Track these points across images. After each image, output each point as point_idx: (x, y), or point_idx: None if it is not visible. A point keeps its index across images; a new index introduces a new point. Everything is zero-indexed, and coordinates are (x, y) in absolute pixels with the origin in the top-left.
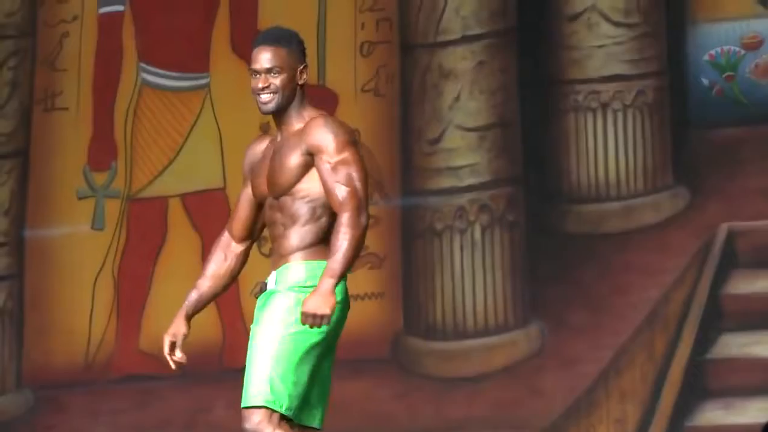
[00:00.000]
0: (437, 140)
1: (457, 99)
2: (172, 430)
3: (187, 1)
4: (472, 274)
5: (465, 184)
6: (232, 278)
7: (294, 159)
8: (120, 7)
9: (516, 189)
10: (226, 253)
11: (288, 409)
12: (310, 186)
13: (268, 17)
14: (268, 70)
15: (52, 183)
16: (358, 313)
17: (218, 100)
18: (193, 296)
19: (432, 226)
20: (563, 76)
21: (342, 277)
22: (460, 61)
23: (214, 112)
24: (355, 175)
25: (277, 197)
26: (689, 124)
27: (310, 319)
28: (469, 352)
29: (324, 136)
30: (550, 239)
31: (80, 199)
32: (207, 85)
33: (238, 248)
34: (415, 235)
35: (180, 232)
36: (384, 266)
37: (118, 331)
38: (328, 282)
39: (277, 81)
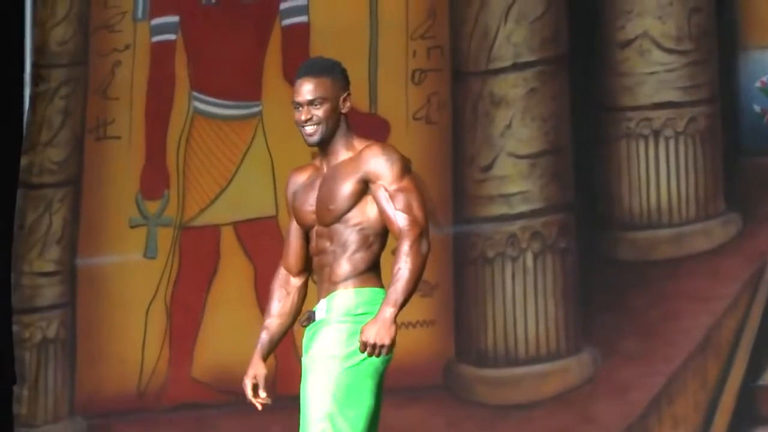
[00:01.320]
0: (489, 167)
1: (508, 126)
2: None
3: (239, 30)
4: (523, 301)
5: (517, 211)
6: (298, 312)
7: (347, 186)
8: (172, 36)
9: (568, 216)
10: (287, 288)
11: None
12: (363, 213)
13: (319, 45)
14: (311, 102)
15: (104, 211)
16: (410, 340)
17: (270, 128)
18: (265, 337)
19: (484, 253)
20: (615, 103)
21: (403, 306)
22: (512, 88)
23: (266, 140)
24: (414, 203)
25: (327, 225)
26: (741, 150)
27: (369, 348)
28: (521, 379)
29: (382, 164)
30: (602, 266)
31: (132, 227)
32: (259, 114)
33: (297, 282)
34: (467, 262)
35: (232, 261)
36: (436, 294)
37: (170, 359)
38: (389, 311)
39: (320, 112)
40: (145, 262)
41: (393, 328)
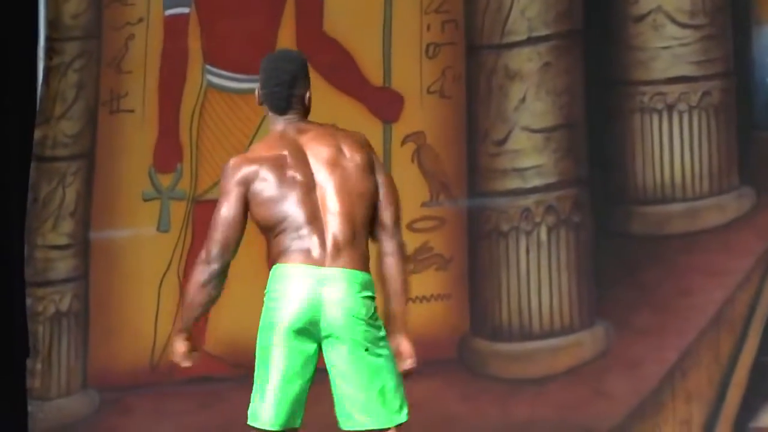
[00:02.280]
0: (503, 141)
1: (522, 100)
2: (236, 431)
3: (252, 3)
4: (537, 276)
5: (531, 185)
6: None
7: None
8: (185, 10)
9: (581, 190)
10: None
11: None
12: None
13: (333, 19)
14: None
15: (117, 185)
16: (425, 314)
17: None
18: None
19: (498, 227)
20: (629, 77)
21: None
22: (526, 62)
23: None
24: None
25: None
26: (754, 125)
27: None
28: (535, 353)
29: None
30: (615, 241)
31: (146, 200)
32: None
33: None
34: (481, 236)
35: (245, 234)
36: (450, 268)
37: None
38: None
39: None
40: (158, 236)
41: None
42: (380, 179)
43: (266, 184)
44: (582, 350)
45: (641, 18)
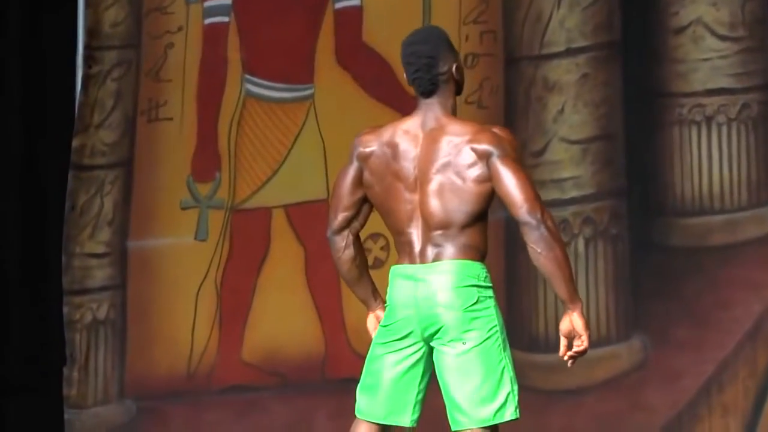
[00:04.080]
0: (541, 153)
1: (561, 112)
2: None
3: (291, 13)
4: None
5: (568, 196)
6: None
7: None
8: (225, 18)
9: (619, 202)
10: None
11: None
12: None
13: (372, 28)
14: None
15: (155, 193)
16: None
17: (322, 111)
18: None
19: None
20: (668, 89)
21: None
22: (565, 73)
23: (317, 124)
24: None
25: None
26: None
27: None
28: (569, 366)
29: None
30: (653, 252)
31: (184, 209)
32: (311, 97)
33: None
34: (519, 247)
35: (283, 243)
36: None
37: (220, 341)
38: None
39: None
40: (196, 245)
41: None
42: (499, 178)
43: (374, 176)
44: (619, 362)
45: (681, 30)
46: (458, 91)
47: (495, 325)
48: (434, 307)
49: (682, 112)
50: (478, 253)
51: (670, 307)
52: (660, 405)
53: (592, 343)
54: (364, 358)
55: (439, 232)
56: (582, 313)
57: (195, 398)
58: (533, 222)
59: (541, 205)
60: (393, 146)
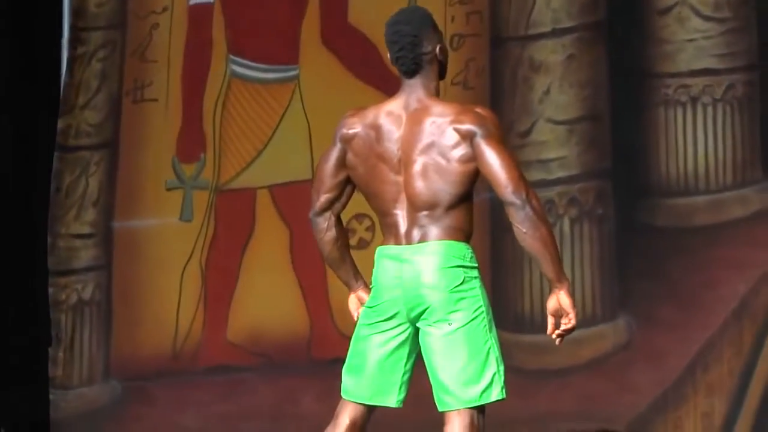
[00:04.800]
0: (527, 133)
1: (547, 92)
2: (259, 421)
3: None
4: None
5: (554, 177)
6: None
7: None
8: None
9: (605, 182)
10: None
11: None
12: None
13: (357, 9)
14: None
15: (140, 174)
16: None
17: (307, 92)
18: None
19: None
20: (653, 69)
21: None
22: (551, 54)
23: (302, 104)
24: None
25: None
26: None
27: None
28: (557, 345)
29: None
30: (639, 233)
31: (169, 190)
32: (296, 77)
33: None
34: (504, 227)
35: (268, 224)
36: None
37: (205, 322)
38: None
39: None
40: (181, 225)
41: None
42: (483, 158)
43: (358, 157)
44: (604, 342)
45: (666, 11)
46: (442, 73)
47: (480, 306)
48: (420, 288)
49: (668, 93)
50: (463, 233)
51: (656, 287)
52: (645, 385)
53: (578, 324)
54: (349, 338)
55: (424, 212)
56: (569, 292)
57: (180, 378)
58: (518, 202)
59: (526, 184)
60: (376, 128)
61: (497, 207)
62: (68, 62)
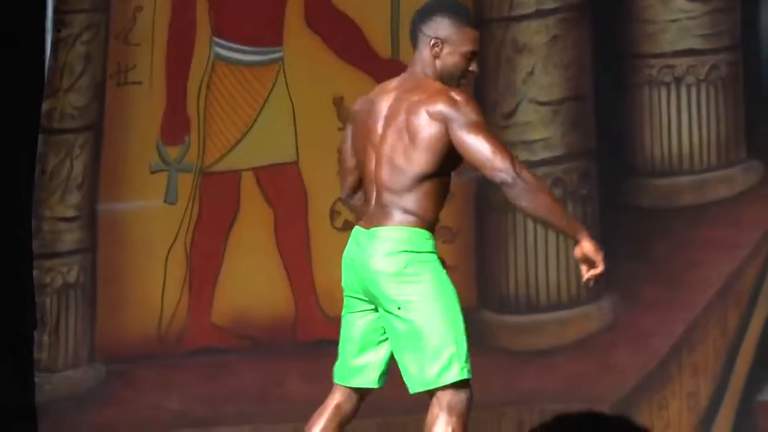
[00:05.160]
0: (511, 114)
1: (531, 73)
2: (244, 403)
3: None
4: (545, 248)
5: (538, 158)
6: None
7: None
8: None
9: (589, 163)
10: None
11: None
12: None
13: None
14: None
15: (124, 157)
16: None
17: (291, 74)
18: None
19: (505, 199)
20: (637, 50)
21: None
22: (535, 35)
23: (287, 87)
24: None
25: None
26: (763, 98)
27: None
28: (542, 325)
29: None
30: (623, 213)
31: (153, 173)
32: (280, 60)
33: None
34: (489, 209)
35: (252, 206)
36: (457, 240)
37: (190, 304)
38: None
39: None
40: (166, 208)
41: None
42: (465, 148)
43: (355, 135)
44: (589, 323)
45: None
46: (441, 70)
47: (429, 290)
48: (368, 273)
49: (652, 73)
50: (419, 218)
51: (640, 268)
52: (630, 365)
53: (563, 304)
54: (333, 320)
55: (386, 194)
56: (589, 238)
57: (165, 361)
58: (509, 179)
59: (512, 159)
60: (371, 104)
61: (482, 187)
62: (52, 45)
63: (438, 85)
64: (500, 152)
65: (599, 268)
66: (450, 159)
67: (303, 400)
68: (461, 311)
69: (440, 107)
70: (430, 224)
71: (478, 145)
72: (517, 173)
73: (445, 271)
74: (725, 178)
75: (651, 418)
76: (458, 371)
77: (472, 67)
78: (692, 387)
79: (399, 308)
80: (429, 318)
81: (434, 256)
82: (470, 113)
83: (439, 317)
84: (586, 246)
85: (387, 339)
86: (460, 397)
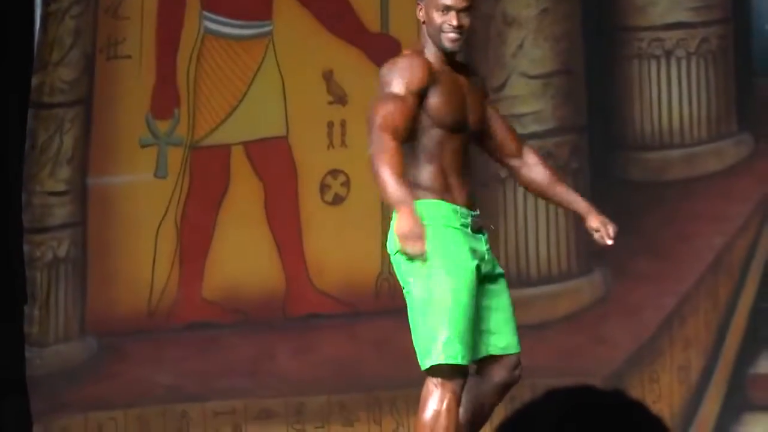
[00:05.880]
0: (501, 88)
1: (521, 46)
2: (234, 377)
3: None
4: (535, 222)
5: (529, 131)
6: None
7: (483, 101)
8: None
9: (580, 136)
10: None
11: None
12: None
13: None
14: (464, 9)
15: (114, 131)
16: None
17: (281, 48)
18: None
19: (496, 173)
20: (627, 23)
21: None
22: (524, 8)
23: (276, 60)
24: None
25: (474, 136)
26: (753, 71)
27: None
28: (533, 299)
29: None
30: (614, 186)
31: (143, 147)
32: (270, 33)
33: None
34: (479, 183)
35: (242, 180)
36: None
37: (180, 279)
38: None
39: (467, 22)
40: (156, 182)
41: None
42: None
43: None
44: (580, 296)
45: None
46: (428, 34)
47: (421, 268)
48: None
49: (642, 47)
50: (415, 187)
51: (631, 241)
52: (621, 338)
53: (554, 278)
54: (324, 294)
55: None
56: (404, 215)
57: (156, 335)
58: (370, 152)
59: (381, 133)
60: None
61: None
62: (42, 19)
63: (406, 50)
64: (377, 128)
65: (409, 245)
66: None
67: (294, 374)
68: (460, 283)
69: (380, 75)
70: (424, 190)
71: (370, 116)
72: (373, 152)
73: (448, 234)
74: (716, 152)
75: (642, 392)
76: (437, 357)
77: (448, 19)
78: (683, 360)
79: (404, 288)
80: (416, 301)
81: (431, 227)
82: (386, 83)
83: (423, 300)
84: (396, 222)
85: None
86: (443, 381)
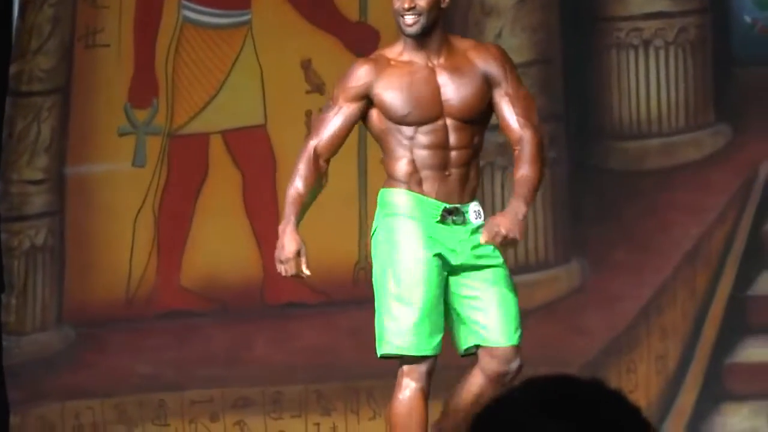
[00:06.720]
0: None
1: (498, 36)
2: (213, 366)
3: None
4: None
5: None
6: (314, 199)
7: (476, 85)
8: None
9: (558, 126)
10: (313, 170)
11: None
12: (487, 116)
13: None
14: None
15: (93, 120)
16: None
17: (259, 37)
18: (294, 213)
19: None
20: (605, 12)
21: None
22: None
23: (255, 49)
24: (534, 111)
25: (464, 121)
26: (731, 61)
27: (499, 238)
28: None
29: (504, 67)
30: (592, 176)
31: (121, 135)
32: (248, 22)
33: (322, 168)
34: None
35: (221, 169)
36: None
37: (158, 267)
38: (523, 209)
39: (422, 2)
40: (134, 171)
41: (523, 224)
42: None
43: None
44: (558, 286)
45: None
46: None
47: (375, 259)
48: None
49: (620, 36)
50: (389, 177)
51: (609, 231)
52: (599, 328)
53: (531, 267)
54: (302, 283)
55: None
56: (286, 233)
57: (134, 324)
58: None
59: (307, 144)
60: None
61: None
62: (20, 7)
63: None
64: (305, 137)
65: (279, 269)
66: (372, 116)
67: (272, 363)
68: (405, 273)
69: None
70: (392, 179)
71: None
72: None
73: (398, 224)
74: (693, 141)
75: (619, 381)
76: (388, 345)
77: (401, 3)
78: (661, 350)
79: None
80: (374, 289)
81: (388, 216)
82: (341, 77)
83: (376, 289)
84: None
85: None
86: (405, 366)
